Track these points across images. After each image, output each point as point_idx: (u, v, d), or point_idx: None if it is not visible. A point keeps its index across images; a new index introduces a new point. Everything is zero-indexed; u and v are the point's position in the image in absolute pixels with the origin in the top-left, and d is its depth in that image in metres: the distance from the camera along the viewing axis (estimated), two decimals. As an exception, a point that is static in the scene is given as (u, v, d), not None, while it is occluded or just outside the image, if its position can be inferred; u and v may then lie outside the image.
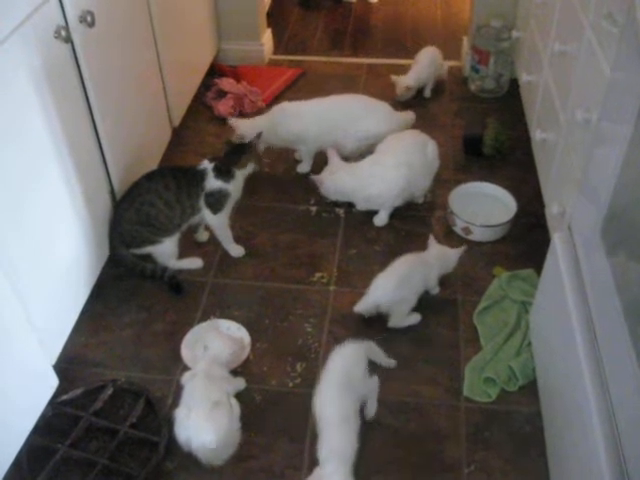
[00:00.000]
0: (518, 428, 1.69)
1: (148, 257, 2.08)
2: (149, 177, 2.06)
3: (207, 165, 2.06)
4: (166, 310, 2.01)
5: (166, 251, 2.07)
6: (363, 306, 1.92)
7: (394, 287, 1.88)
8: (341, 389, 1.60)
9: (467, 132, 2.64)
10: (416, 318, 1.94)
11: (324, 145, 2.43)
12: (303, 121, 2.42)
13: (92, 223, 1.94)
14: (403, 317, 1.92)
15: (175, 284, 2.04)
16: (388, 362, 1.83)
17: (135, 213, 1.99)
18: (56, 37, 1.67)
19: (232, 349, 1.76)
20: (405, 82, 2.87)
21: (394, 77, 2.91)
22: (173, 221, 2.04)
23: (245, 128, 2.41)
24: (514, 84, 2.89)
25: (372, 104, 2.49)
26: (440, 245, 2.05)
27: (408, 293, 1.91)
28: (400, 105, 2.79)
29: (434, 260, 2.00)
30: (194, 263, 2.14)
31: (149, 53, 2.36)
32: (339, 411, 1.57)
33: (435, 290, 2.02)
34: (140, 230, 2.00)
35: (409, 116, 2.56)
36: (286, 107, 2.49)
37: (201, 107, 2.90)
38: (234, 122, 2.45)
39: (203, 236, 2.23)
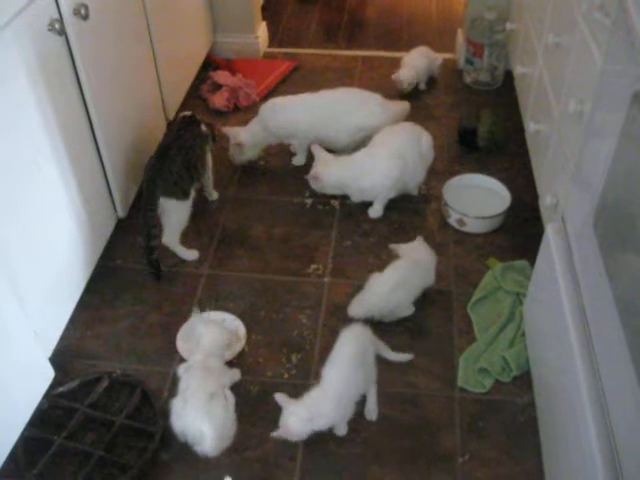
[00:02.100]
0: (512, 418, 1.71)
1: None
2: (188, 124, 2.21)
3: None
4: (161, 302, 2.02)
5: (184, 212, 2.09)
6: (360, 313, 1.91)
7: (387, 298, 1.88)
8: (354, 364, 1.62)
9: (462, 124, 2.64)
10: (410, 309, 1.95)
11: (317, 138, 2.43)
12: (293, 115, 2.41)
13: (87, 215, 1.94)
14: (399, 317, 1.93)
15: (157, 265, 2.05)
16: (402, 357, 1.83)
17: (184, 157, 2.08)
18: (50, 30, 1.67)
19: (227, 341, 1.76)
20: (409, 77, 2.85)
21: (395, 75, 2.87)
22: (206, 166, 2.26)
23: (241, 135, 2.42)
24: (509, 76, 2.89)
25: (364, 96, 2.48)
26: (410, 243, 2.05)
27: (404, 299, 1.92)
28: (395, 96, 2.79)
29: (428, 256, 2.00)
30: (190, 254, 2.15)
31: (143, 46, 2.35)
32: (346, 378, 1.60)
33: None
34: (184, 174, 2.07)
35: (403, 106, 2.56)
36: (275, 102, 2.48)
37: (196, 100, 2.89)
38: (228, 130, 2.46)
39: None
